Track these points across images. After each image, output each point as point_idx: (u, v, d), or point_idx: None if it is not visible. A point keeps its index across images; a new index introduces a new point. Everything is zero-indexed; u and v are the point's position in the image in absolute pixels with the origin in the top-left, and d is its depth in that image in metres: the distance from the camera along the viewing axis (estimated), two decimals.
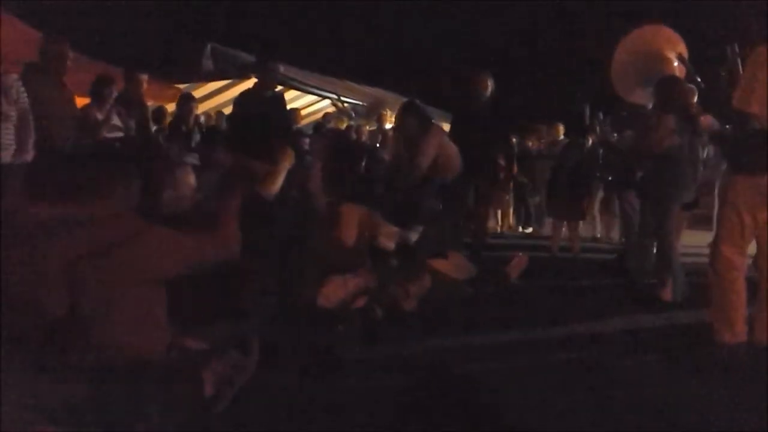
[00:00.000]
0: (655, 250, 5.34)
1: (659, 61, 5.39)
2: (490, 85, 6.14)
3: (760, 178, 3.56)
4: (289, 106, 10.53)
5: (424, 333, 4.07)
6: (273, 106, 5.95)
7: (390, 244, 4.42)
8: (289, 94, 11.52)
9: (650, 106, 5.48)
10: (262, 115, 5.63)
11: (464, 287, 4.84)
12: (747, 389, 3.27)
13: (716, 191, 7.07)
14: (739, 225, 3.70)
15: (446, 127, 6.99)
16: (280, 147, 3.38)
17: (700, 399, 3.17)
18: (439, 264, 4.74)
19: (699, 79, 5.26)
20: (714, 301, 3.84)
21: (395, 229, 4.53)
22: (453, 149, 5.82)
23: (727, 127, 4.03)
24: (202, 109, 9.60)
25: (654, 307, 4.93)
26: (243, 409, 2.35)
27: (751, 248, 3.84)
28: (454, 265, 4.92)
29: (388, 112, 9.83)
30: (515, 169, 7.83)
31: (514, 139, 8.69)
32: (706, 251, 4.13)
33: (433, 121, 6.05)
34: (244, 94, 6.10)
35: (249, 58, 7.96)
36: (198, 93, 9.46)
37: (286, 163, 3.34)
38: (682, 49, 5.48)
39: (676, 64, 5.39)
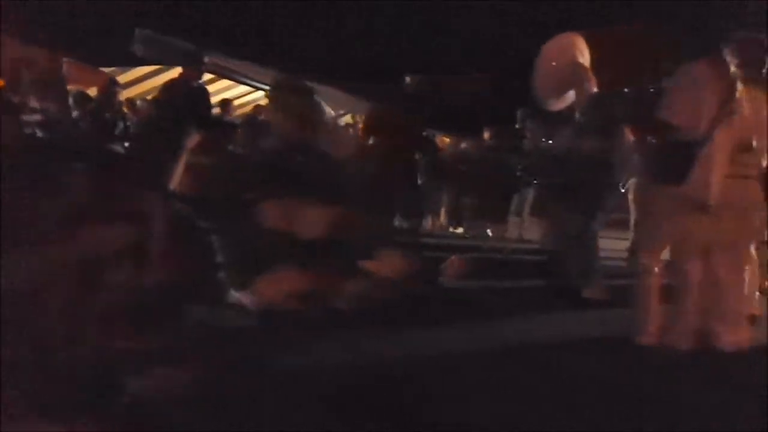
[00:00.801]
0: (582, 252, 5.49)
1: (576, 70, 5.54)
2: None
3: (679, 188, 3.70)
4: (221, 96, 10.35)
5: (356, 333, 4.04)
6: (195, 97, 5.83)
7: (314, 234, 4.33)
8: (221, 84, 11.31)
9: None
10: (184, 107, 5.52)
11: (398, 287, 4.83)
12: (658, 390, 3.39)
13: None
14: (656, 232, 3.86)
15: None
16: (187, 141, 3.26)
17: (620, 398, 3.26)
18: (372, 264, 4.72)
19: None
20: (634, 304, 4.00)
21: (326, 220, 4.46)
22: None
23: (649, 138, 4.19)
24: (129, 95, 9.29)
25: (581, 307, 5.08)
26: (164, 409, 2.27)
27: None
28: (388, 264, 4.90)
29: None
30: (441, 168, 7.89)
31: (446, 139, 8.79)
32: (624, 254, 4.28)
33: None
34: (168, 84, 6.00)
35: (183, 45, 7.73)
36: (124, 78, 9.15)
37: (193, 157, 3.22)
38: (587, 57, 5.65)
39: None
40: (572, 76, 5.48)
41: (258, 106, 10.75)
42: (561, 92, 5.62)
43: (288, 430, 2.64)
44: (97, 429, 1.96)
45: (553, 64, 5.48)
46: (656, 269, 3.90)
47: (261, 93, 11.49)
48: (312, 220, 4.34)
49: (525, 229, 9.35)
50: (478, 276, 6.22)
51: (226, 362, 3.22)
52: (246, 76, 10.51)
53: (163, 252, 2.49)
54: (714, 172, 3.69)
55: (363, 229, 4.95)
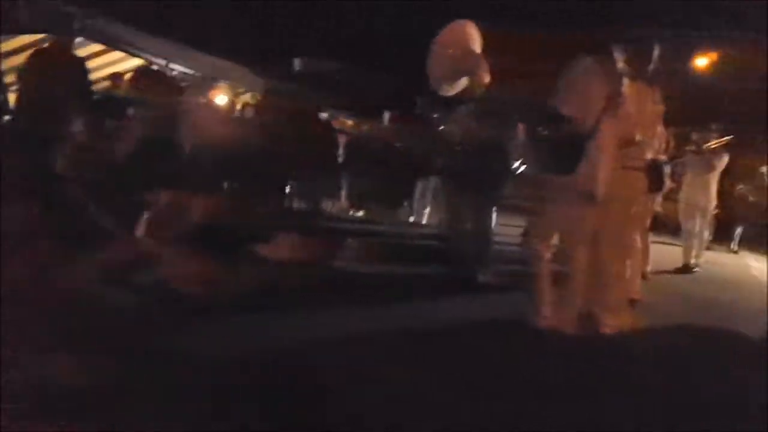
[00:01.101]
0: (478, 238, 5.62)
1: (469, 57, 5.63)
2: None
3: (571, 177, 3.83)
4: (111, 70, 9.77)
5: (251, 317, 3.92)
6: (68, 72, 5.19)
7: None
8: (112, 56, 10.68)
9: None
10: (55, 82, 4.93)
11: (295, 272, 4.76)
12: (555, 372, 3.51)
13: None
14: (547, 220, 3.99)
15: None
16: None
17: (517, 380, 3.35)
18: (267, 248, 4.63)
19: None
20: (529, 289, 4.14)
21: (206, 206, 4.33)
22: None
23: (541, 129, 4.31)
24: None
25: (476, 291, 5.19)
26: None
27: None
28: (284, 248, 4.82)
29: (224, 85, 9.44)
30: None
31: (348, 122, 8.74)
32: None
33: None
34: (33, 56, 5.35)
35: (60, 8, 7.15)
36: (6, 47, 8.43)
37: (78, 137, 3.00)
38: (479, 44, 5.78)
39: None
40: (466, 63, 5.56)
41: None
42: (454, 79, 5.68)
43: (183, 419, 2.52)
44: None
45: (450, 51, 5.53)
46: (547, 255, 4.03)
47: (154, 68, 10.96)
48: (193, 207, 4.20)
49: (424, 214, 9.48)
50: (376, 260, 6.27)
51: (118, 348, 3.07)
52: (140, 48, 9.95)
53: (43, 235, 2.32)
54: (601, 163, 3.84)
55: (250, 213, 4.85)
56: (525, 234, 4.16)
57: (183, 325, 3.60)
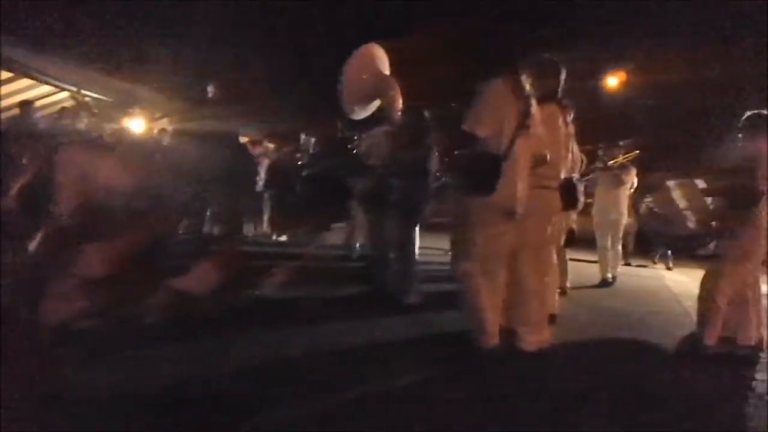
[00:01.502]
0: (401, 258, 5.62)
1: (379, 80, 5.68)
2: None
3: (489, 198, 3.85)
4: (21, 97, 9.33)
5: (167, 347, 3.81)
6: None
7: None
8: (22, 83, 10.22)
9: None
10: None
11: (208, 303, 4.60)
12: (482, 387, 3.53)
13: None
14: (472, 241, 4.01)
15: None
16: None
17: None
18: (178, 281, 4.46)
19: None
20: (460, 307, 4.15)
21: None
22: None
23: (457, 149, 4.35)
24: None
25: (399, 311, 5.19)
26: None
27: None
28: (196, 279, 4.66)
29: (138, 110, 9.17)
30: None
31: (270, 145, 8.63)
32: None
33: None
34: None
35: None
36: None
37: None
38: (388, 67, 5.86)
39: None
40: (376, 86, 5.59)
41: (64, 109, 9.85)
42: (366, 102, 5.74)
43: None
44: None
45: (360, 75, 5.56)
46: (474, 273, 4.04)
47: (66, 93, 10.56)
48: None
49: (348, 236, 9.42)
50: (300, 284, 6.17)
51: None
52: (48, 75, 9.56)
53: None
54: (517, 182, 3.90)
55: (167, 241, 4.69)
56: (452, 258, 4.16)
57: (88, 362, 3.46)
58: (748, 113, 4.57)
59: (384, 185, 5.62)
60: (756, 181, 4.28)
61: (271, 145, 12.10)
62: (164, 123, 11.08)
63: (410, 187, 5.34)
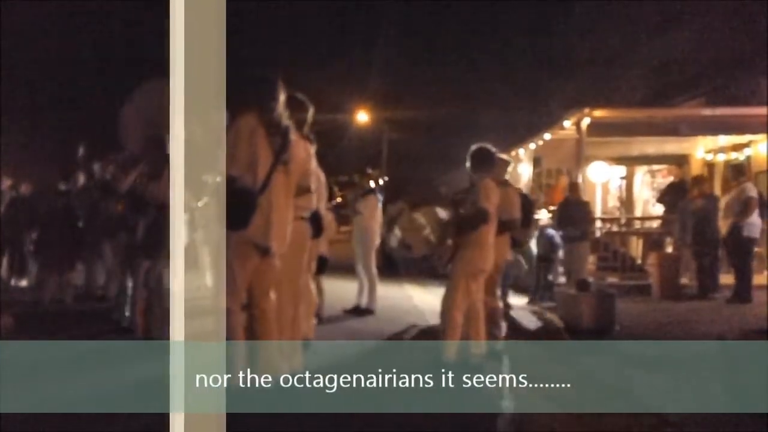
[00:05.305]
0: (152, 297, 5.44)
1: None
2: None
3: (246, 231, 3.88)
4: None
5: None
6: None
7: None
8: None
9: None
10: None
11: None
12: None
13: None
14: (231, 275, 3.99)
15: None
16: None
17: None
18: None
19: None
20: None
21: None
22: None
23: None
24: None
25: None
26: None
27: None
28: None
29: None
30: None
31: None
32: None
33: None
34: None
35: None
36: None
37: None
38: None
39: None
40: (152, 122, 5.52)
41: None
42: (143, 136, 5.81)
43: None
44: None
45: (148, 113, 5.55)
46: (238, 309, 4.03)
47: None
48: None
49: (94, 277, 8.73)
50: (31, 331, 5.76)
51: None
52: None
53: None
54: (273, 215, 3.97)
55: None
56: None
57: None
58: (473, 147, 5.17)
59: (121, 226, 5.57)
60: (479, 205, 4.85)
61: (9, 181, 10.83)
62: None
63: (150, 228, 5.29)
